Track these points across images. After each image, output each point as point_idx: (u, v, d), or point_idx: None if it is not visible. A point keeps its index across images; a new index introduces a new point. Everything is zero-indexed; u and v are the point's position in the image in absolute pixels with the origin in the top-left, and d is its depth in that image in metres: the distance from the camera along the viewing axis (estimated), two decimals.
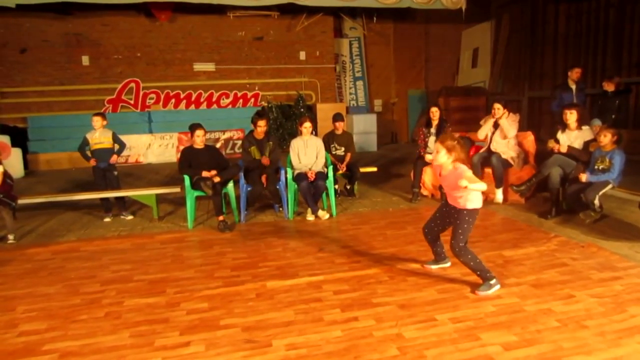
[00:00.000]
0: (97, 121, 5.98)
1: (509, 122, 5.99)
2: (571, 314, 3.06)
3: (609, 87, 7.71)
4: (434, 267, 3.97)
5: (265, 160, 5.87)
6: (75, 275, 4.10)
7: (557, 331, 2.85)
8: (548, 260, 4.05)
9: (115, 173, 6.17)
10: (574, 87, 7.91)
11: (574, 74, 7.89)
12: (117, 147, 6.15)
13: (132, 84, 11.85)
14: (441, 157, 3.39)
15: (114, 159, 6.06)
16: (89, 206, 6.43)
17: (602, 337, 2.76)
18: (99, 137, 6.02)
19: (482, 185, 3.33)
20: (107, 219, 5.99)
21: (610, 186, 4.96)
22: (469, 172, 3.35)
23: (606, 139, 5.04)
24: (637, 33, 9.31)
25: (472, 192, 3.38)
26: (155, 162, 11.30)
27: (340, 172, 6.49)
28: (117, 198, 6.09)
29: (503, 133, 6.01)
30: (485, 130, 6.20)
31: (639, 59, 9.31)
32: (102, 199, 6.04)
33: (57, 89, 11.39)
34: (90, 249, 4.86)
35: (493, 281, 3.44)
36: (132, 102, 11.89)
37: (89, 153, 6.03)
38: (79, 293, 3.71)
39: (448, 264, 3.97)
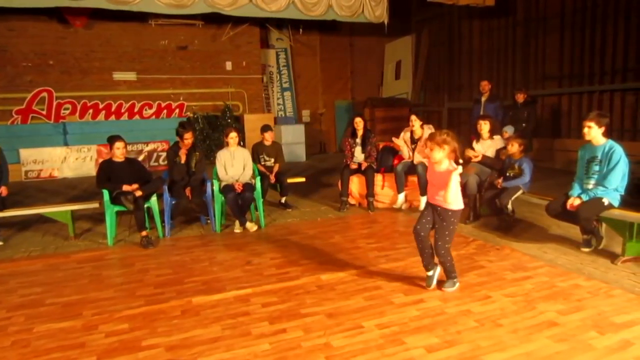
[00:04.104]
0: None
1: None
2: (488, 313, 3.24)
3: (519, 98, 8.34)
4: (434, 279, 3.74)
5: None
6: None
7: (475, 331, 3.00)
8: (467, 264, 4.26)
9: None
10: (482, 99, 8.50)
11: (481, 86, 8.56)
12: None
13: (45, 94, 11.04)
14: (436, 153, 3.51)
15: (3, 190, 5.42)
16: None
17: (515, 334, 2.94)
18: None
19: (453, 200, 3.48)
20: None
21: (521, 191, 5.33)
22: (456, 178, 3.46)
23: (514, 148, 5.43)
24: (542, 49, 10.16)
25: (453, 195, 3.51)
26: (72, 177, 10.60)
27: (272, 182, 6.48)
28: None
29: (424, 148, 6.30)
30: (405, 151, 6.48)
31: (544, 72, 10.16)
32: None
33: None
34: None
35: (456, 279, 3.69)
36: (44, 112, 11.09)
37: None
38: None
39: (438, 270, 3.92)
